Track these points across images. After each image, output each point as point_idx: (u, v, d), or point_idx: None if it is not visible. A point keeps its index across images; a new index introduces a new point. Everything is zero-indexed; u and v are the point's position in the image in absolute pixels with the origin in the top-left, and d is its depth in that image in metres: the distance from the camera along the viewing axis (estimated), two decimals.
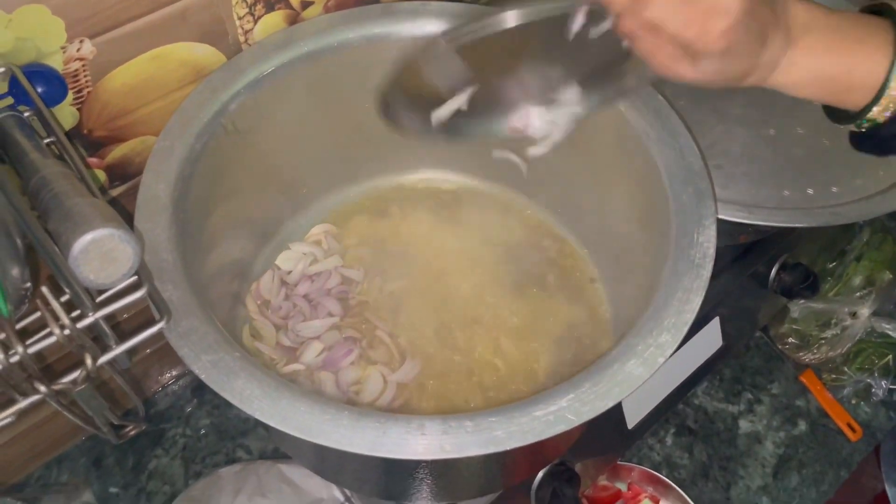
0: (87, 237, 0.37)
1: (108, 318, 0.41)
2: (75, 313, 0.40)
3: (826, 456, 0.85)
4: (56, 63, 0.53)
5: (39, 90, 0.52)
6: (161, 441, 0.81)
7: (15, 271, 0.38)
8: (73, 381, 0.40)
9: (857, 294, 0.86)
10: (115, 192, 0.64)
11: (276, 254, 0.73)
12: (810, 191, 0.68)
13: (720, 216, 0.64)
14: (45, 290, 0.38)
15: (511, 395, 0.65)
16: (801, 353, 0.88)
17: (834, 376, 0.88)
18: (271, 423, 0.44)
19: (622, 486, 0.81)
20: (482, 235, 0.74)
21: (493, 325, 0.68)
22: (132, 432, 0.51)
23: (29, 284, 0.39)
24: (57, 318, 0.38)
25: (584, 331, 0.69)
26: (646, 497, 0.79)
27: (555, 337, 0.68)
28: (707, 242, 0.53)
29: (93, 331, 0.40)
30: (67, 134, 0.57)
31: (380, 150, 0.75)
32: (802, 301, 0.86)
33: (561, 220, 0.76)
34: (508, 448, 0.43)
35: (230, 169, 0.62)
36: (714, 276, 0.52)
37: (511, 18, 0.50)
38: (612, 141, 0.63)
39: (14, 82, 0.51)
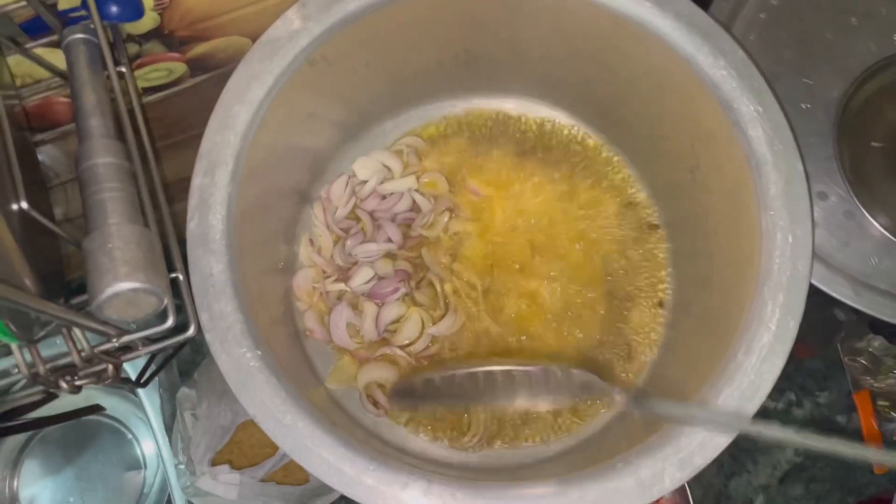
0: (112, 289, 0.37)
1: None
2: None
3: (841, 478, 0.84)
4: None
5: (114, 10, 0.48)
6: None
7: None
8: (98, 377, 0.43)
9: None
10: (195, 81, 0.61)
11: (356, 156, 0.70)
12: None
13: (823, 287, 0.58)
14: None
15: None
16: (865, 376, 0.83)
17: (888, 405, 0.84)
18: (269, 435, 0.47)
19: None
20: (570, 203, 0.69)
21: (544, 306, 0.66)
22: None
23: None
24: (78, 347, 0.39)
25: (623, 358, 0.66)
26: None
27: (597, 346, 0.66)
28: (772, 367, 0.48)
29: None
30: (148, 34, 0.54)
31: (482, 75, 0.68)
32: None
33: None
34: None
35: (310, 97, 0.57)
36: None
37: None
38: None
39: None
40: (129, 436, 0.89)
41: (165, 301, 0.39)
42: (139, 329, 0.42)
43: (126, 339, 0.41)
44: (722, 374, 0.48)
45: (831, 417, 0.86)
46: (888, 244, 0.60)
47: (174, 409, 0.75)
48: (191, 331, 0.44)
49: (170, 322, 0.41)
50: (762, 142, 0.52)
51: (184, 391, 0.74)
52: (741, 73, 0.52)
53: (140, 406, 0.83)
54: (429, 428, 0.63)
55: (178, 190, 0.56)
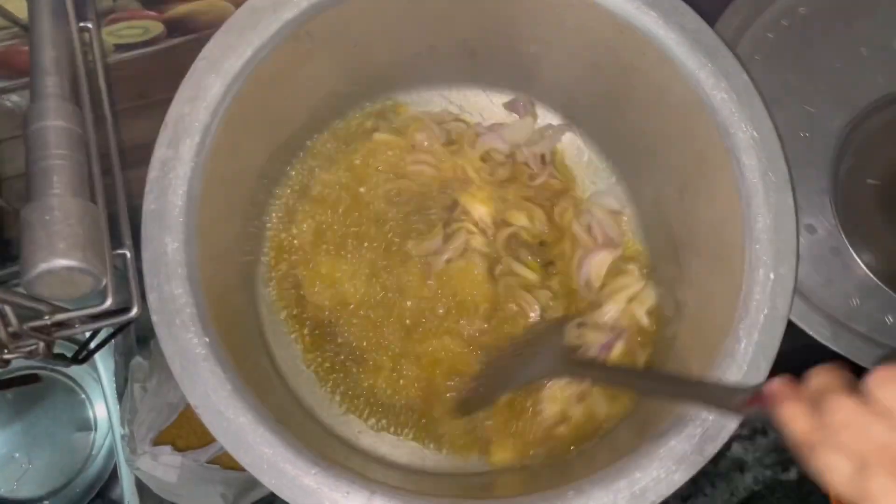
0: (46, 266, 0.35)
1: None
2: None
3: None
4: None
5: None
6: None
7: None
8: (29, 353, 0.40)
9: None
10: (172, 42, 0.58)
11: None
12: None
13: (802, 324, 0.57)
14: None
15: None
16: None
17: None
18: (209, 427, 0.44)
19: None
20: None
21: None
22: None
23: None
24: (6, 322, 0.37)
25: None
26: None
27: None
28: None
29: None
30: None
31: (476, 67, 0.65)
32: None
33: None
34: None
35: (291, 74, 0.54)
36: None
37: None
38: None
39: None
40: (82, 396, 0.87)
41: (104, 281, 0.36)
42: (76, 305, 0.40)
43: (60, 316, 0.38)
44: (687, 409, 0.47)
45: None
46: (871, 286, 0.59)
47: (127, 376, 0.73)
48: (133, 312, 0.41)
49: (108, 303, 0.38)
50: (755, 171, 0.49)
51: (137, 360, 0.72)
52: (742, 99, 0.50)
53: (95, 367, 0.81)
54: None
55: (144, 154, 0.54)
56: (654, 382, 0.53)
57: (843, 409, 0.32)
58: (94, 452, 0.86)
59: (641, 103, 0.57)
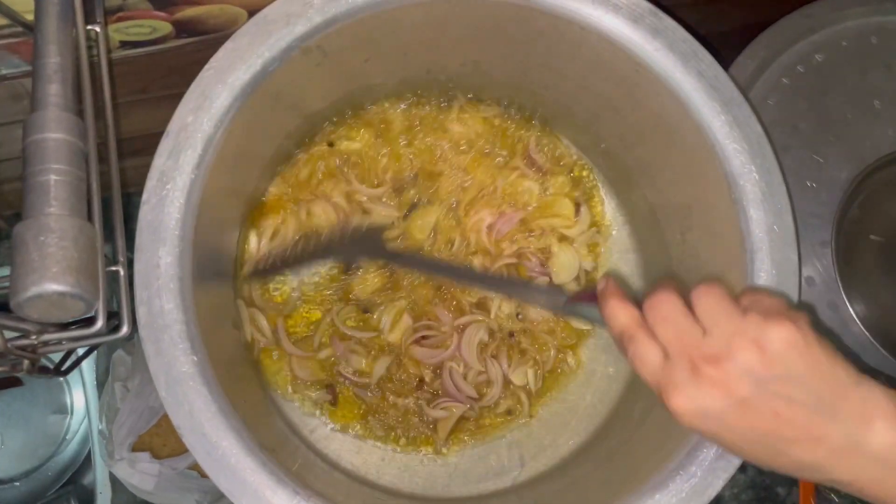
0: (37, 289, 0.33)
1: None
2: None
3: None
4: None
5: None
6: None
7: None
8: (12, 367, 0.39)
9: None
10: (178, 43, 0.56)
11: None
12: None
13: None
14: None
15: None
16: None
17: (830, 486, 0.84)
18: (191, 449, 0.43)
19: None
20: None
21: None
22: None
23: None
24: None
25: None
26: None
27: None
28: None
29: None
30: None
31: (486, 88, 0.64)
32: None
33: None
34: None
35: (298, 87, 0.53)
36: None
37: None
38: None
39: None
40: (61, 379, 0.86)
41: (96, 306, 0.35)
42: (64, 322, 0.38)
43: (48, 337, 0.37)
44: (675, 462, 0.46)
45: (773, 486, 0.85)
46: (865, 343, 0.58)
47: (108, 365, 0.72)
48: (122, 331, 0.40)
49: (98, 325, 0.37)
50: (762, 224, 0.49)
51: (120, 354, 0.71)
52: (753, 150, 0.49)
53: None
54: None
55: (138, 146, 0.53)
56: (486, 281, 0.57)
57: (667, 304, 0.35)
58: (68, 437, 0.85)
59: (651, 143, 0.57)
